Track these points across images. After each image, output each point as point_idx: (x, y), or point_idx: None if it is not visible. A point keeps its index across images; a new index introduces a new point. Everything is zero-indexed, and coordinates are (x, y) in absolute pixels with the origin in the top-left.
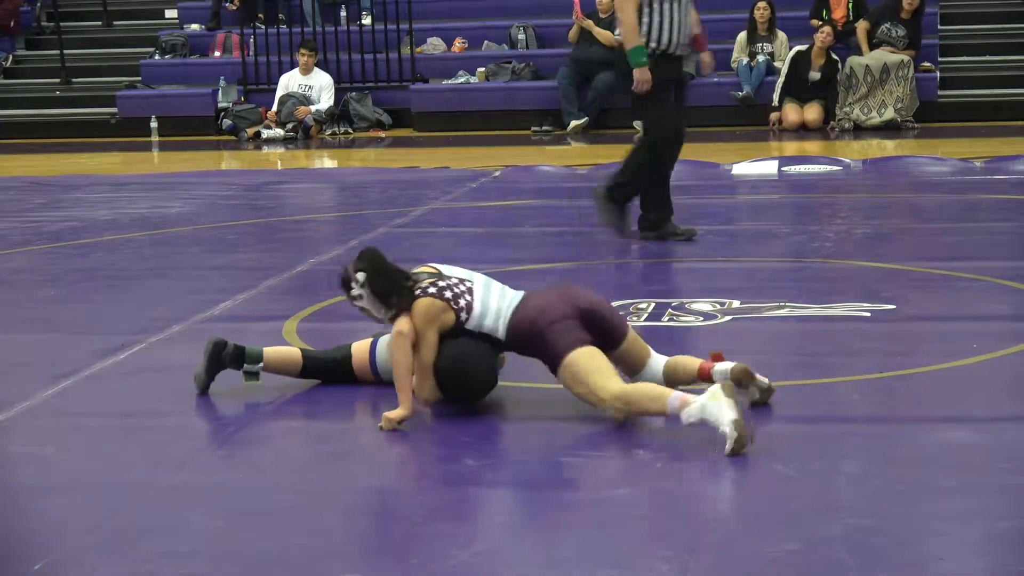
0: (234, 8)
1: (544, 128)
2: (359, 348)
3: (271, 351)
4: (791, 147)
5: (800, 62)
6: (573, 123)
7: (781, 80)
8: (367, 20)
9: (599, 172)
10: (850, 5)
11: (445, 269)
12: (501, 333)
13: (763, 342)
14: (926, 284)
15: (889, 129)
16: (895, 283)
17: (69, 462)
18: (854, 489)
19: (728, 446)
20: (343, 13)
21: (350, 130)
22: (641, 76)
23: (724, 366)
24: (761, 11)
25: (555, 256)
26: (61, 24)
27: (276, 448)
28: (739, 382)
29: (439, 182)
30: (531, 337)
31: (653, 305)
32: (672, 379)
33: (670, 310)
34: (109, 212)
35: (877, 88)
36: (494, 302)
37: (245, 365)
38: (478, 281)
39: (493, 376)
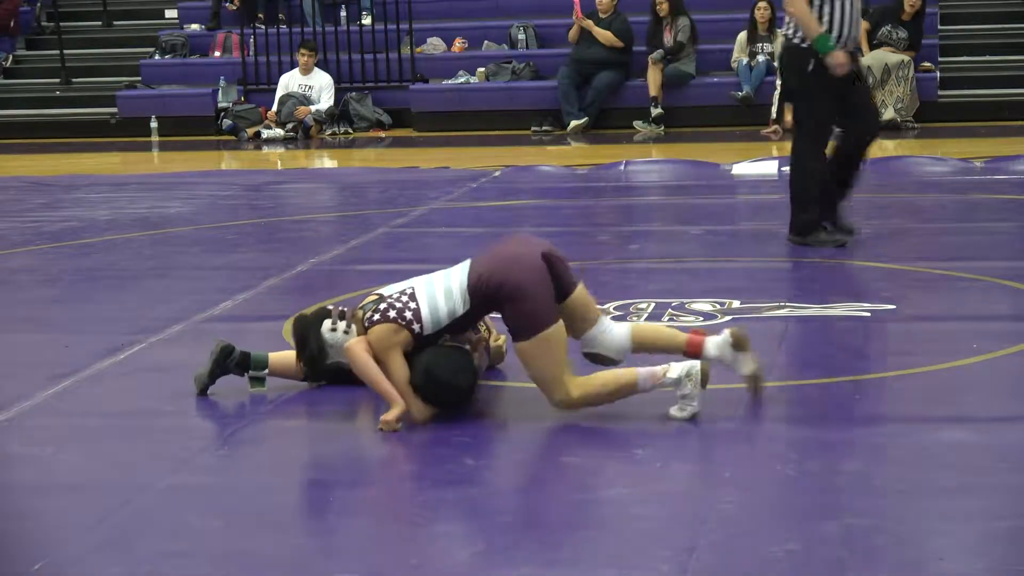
0: (234, 8)
1: (544, 128)
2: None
3: (276, 356)
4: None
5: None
6: (573, 123)
7: (777, 92)
8: (367, 20)
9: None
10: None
11: (386, 290)
12: (463, 307)
13: (763, 342)
14: (926, 284)
15: (889, 129)
16: (895, 283)
17: (69, 462)
18: (854, 489)
19: (680, 415)
20: (343, 13)
21: (350, 130)
22: (836, 59)
23: (717, 338)
24: (761, 11)
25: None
26: (61, 24)
27: (276, 448)
28: (739, 345)
29: (439, 182)
30: (499, 294)
31: (653, 305)
32: (644, 347)
33: (670, 310)
34: (109, 212)
35: (877, 88)
36: (440, 292)
37: (251, 371)
38: (419, 284)
39: (469, 376)
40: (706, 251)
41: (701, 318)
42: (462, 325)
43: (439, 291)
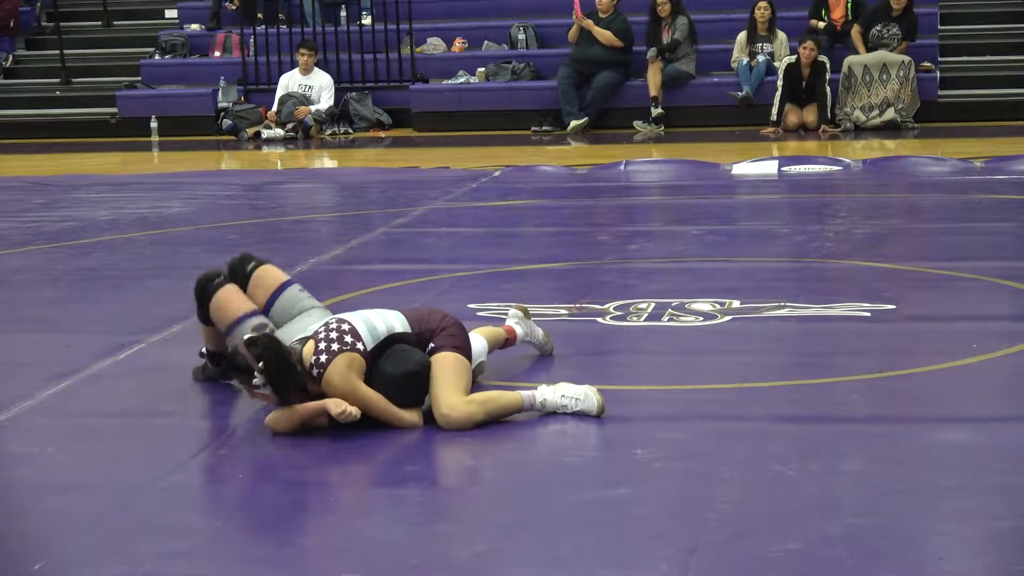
0: (234, 8)
1: (544, 128)
2: (274, 271)
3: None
4: (791, 147)
5: (792, 74)
6: (573, 123)
7: (779, 94)
8: (367, 20)
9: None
10: (849, 5)
11: (305, 321)
12: (401, 327)
13: (763, 342)
14: (926, 284)
15: (889, 129)
16: (895, 283)
17: (69, 462)
18: (854, 489)
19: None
20: (343, 13)
21: (350, 130)
22: None
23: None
24: (761, 11)
25: (555, 256)
26: (61, 24)
27: (276, 447)
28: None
29: (439, 182)
30: (439, 324)
31: (653, 305)
32: (495, 348)
33: (670, 310)
34: (109, 212)
35: (878, 88)
36: (373, 314)
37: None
38: (348, 315)
39: (421, 356)
40: (706, 251)
41: (701, 318)
42: (400, 340)
43: (373, 316)
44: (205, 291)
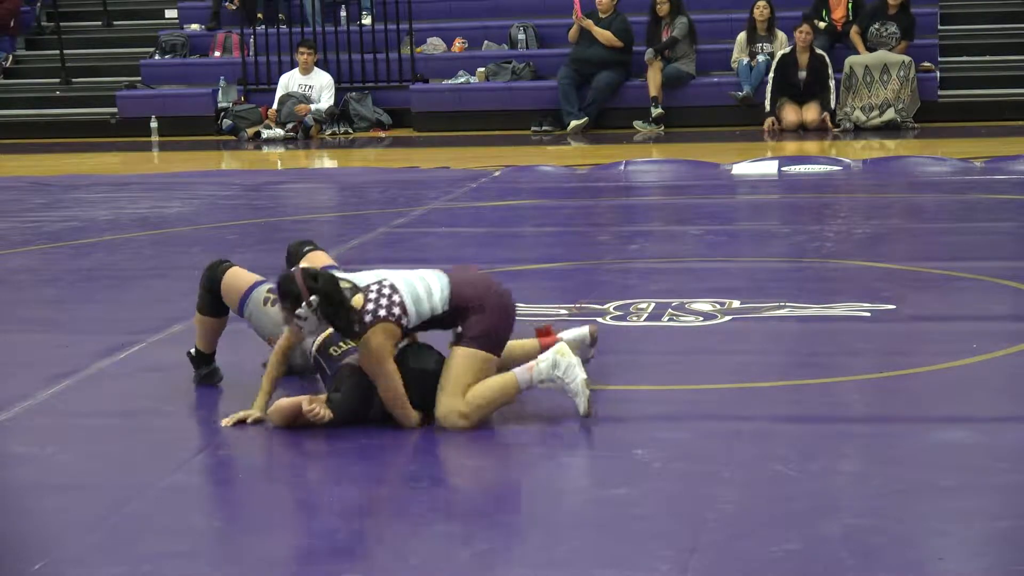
0: (233, 8)
1: (544, 128)
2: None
3: None
4: (791, 147)
5: (787, 64)
6: (573, 123)
7: (769, 86)
8: (367, 20)
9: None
10: (850, 5)
11: (353, 277)
12: (440, 309)
13: (763, 342)
14: (926, 284)
15: (889, 129)
16: (895, 283)
17: (69, 462)
18: (854, 489)
19: (582, 406)
20: (343, 13)
21: (350, 130)
22: None
23: (571, 333)
24: (760, 10)
25: (555, 256)
26: (61, 24)
27: (276, 448)
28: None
29: (439, 182)
30: (472, 305)
31: (653, 305)
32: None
33: (670, 310)
34: (109, 212)
35: (878, 88)
36: (421, 289)
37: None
38: (394, 277)
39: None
40: (706, 251)
41: (701, 318)
42: (433, 325)
43: (419, 288)
44: (214, 274)
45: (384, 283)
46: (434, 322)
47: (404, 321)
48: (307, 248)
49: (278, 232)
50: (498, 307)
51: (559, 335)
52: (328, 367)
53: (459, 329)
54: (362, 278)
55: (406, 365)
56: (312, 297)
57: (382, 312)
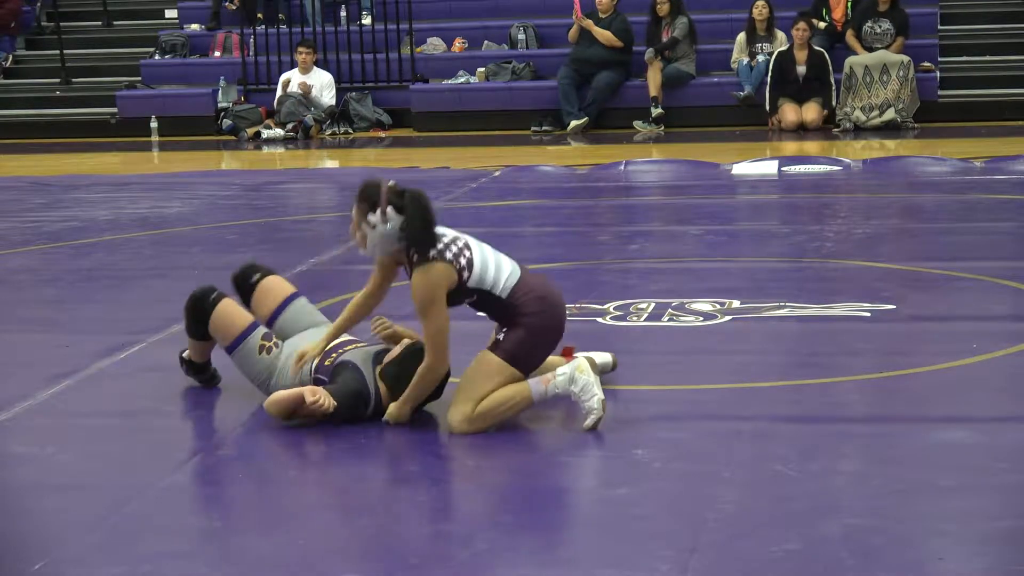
0: (233, 8)
1: (544, 128)
2: (279, 282)
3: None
4: (791, 147)
5: (784, 61)
6: (573, 123)
7: (768, 85)
8: (367, 20)
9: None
10: (849, 5)
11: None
12: (499, 292)
13: (763, 342)
14: (926, 284)
15: (889, 129)
16: (895, 283)
17: (69, 462)
18: (853, 489)
19: (590, 421)
20: (343, 13)
21: (350, 130)
22: None
23: (597, 357)
24: (759, 10)
25: (555, 256)
26: (61, 24)
27: (276, 447)
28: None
29: (439, 182)
30: (523, 312)
31: (653, 305)
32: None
33: (670, 310)
34: (109, 212)
35: (878, 88)
36: (491, 260)
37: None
38: (470, 239)
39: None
40: (706, 251)
41: (701, 318)
42: (483, 306)
43: (490, 259)
44: (202, 307)
45: (460, 239)
46: (485, 303)
47: (465, 275)
48: (256, 276)
49: (278, 232)
50: (543, 330)
51: (581, 355)
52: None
53: (499, 336)
54: (439, 230)
55: (406, 365)
56: (389, 209)
57: (449, 255)
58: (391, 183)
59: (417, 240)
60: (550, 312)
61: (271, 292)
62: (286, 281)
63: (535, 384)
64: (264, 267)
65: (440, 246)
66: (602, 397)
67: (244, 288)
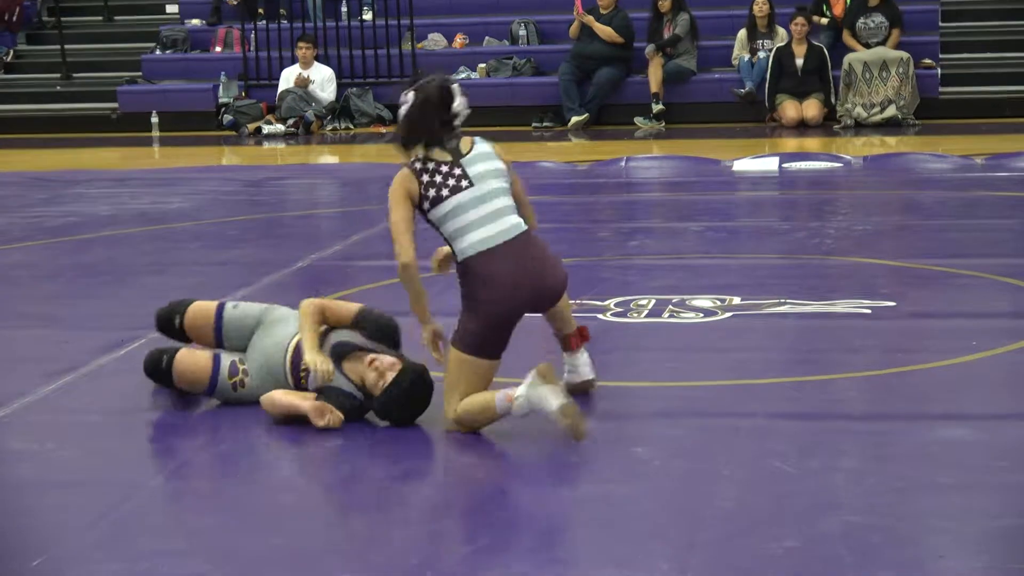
0: (234, 3)
1: (545, 124)
2: (201, 307)
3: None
4: (792, 143)
5: (784, 57)
6: (574, 119)
7: (768, 81)
8: (368, 15)
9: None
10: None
11: (477, 166)
12: (457, 249)
13: (763, 339)
14: (926, 281)
15: (890, 126)
16: (895, 280)
17: (68, 458)
18: (853, 486)
19: (564, 428)
20: (344, 8)
21: (351, 126)
22: None
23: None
24: (760, 6)
25: (555, 252)
26: (62, 19)
27: (273, 446)
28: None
29: None
30: (474, 292)
31: (654, 302)
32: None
33: (671, 307)
34: (109, 207)
35: (878, 85)
36: (465, 216)
37: None
38: (478, 185)
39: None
40: (707, 247)
41: (701, 315)
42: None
43: (468, 213)
44: (160, 373)
45: (463, 179)
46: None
47: (425, 203)
48: (179, 320)
49: (279, 228)
50: (493, 316)
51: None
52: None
53: (458, 320)
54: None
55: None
56: (411, 93)
57: (417, 167)
58: (446, 79)
59: (397, 136)
60: (499, 298)
61: (199, 320)
62: (203, 301)
63: (500, 401)
64: (177, 302)
65: (417, 162)
66: (562, 403)
67: (176, 333)
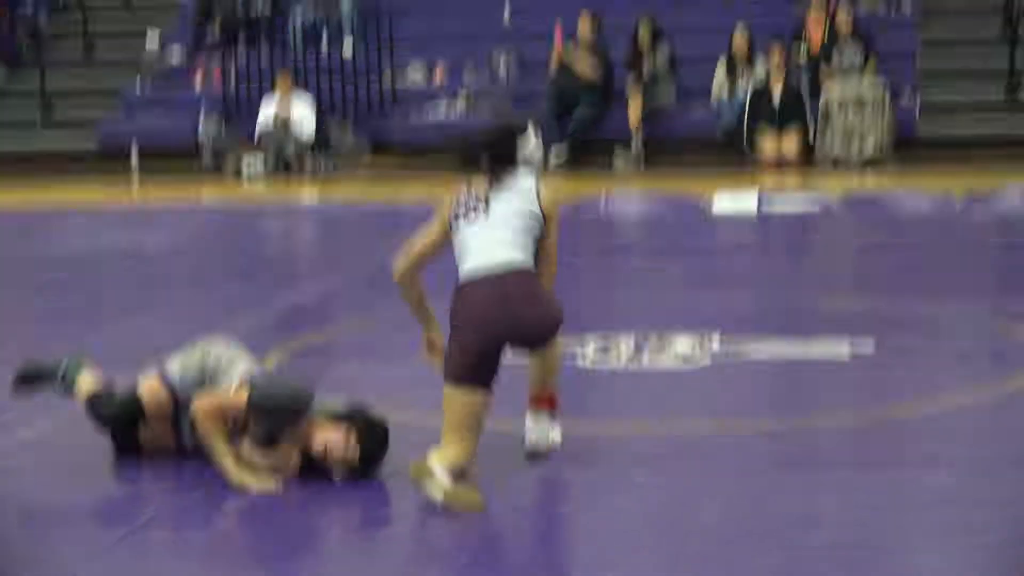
0: (215, 38)
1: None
2: (149, 385)
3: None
4: (770, 182)
5: (762, 92)
6: (553, 155)
7: (746, 116)
8: (348, 47)
9: None
10: (826, 31)
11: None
12: (460, 271)
13: (742, 383)
14: (906, 323)
15: (868, 164)
16: (875, 322)
17: (38, 504)
18: (831, 534)
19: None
20: (324, 41)
21: (331, 160)
22: None
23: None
24: (739, 41)
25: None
26: (42, 50)
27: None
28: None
29: (420, 214)
30: (453, 306)
31: (631, 343)
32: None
33: (648, 349)
34: (87, 244)
35: (855, 122)
36: (471, 245)
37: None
38: (485, 223)
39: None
40: (685, 288)
41: (679, 357)
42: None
43: (474, 241)
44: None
45: (483, 211)
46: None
47: (451, 226)
48: (108, 409)
49: (257, 266)
50: (469, 344)
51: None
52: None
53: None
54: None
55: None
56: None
57: (461, 199)
58: (517, 124)
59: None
60: (471, 326)
61: (82, 384)
62: (146, 391)
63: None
64: (122, 401)
65: (464, 185)
66: (443, 491)
67: (126, 425)
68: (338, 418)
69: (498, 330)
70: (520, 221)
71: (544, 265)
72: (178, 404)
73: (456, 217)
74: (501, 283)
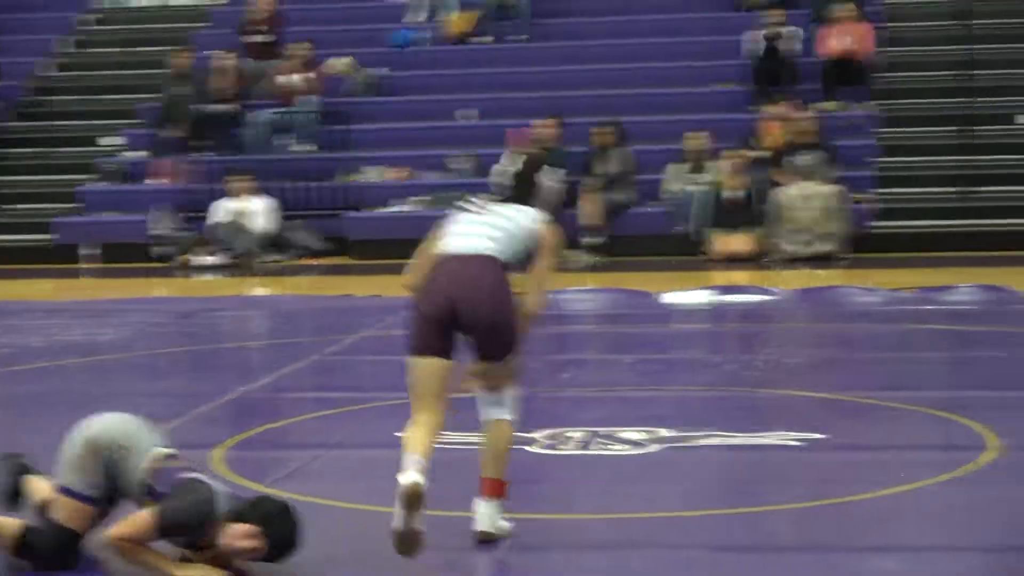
0: (175, 136)
1: None
2: (66, 510)
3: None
4: (723, 277)
5: (716, 192)
6: None
7: (699, 215)
8: (304, 148)
9: None
10: (784, 132)
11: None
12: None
13: (692, 471)
14: (856, 413)
15: (821, 259)
16: (825, 412)
17: None
18: None
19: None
20: (280, 141)
21: (285, 257)
22: None
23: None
24: (693, 141)
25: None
26: None
27: None
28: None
29: (372, 310)
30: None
31: (583, 433)
32: None
33: (600, 439)
34: (42, 339)
35: (807, 219)
36: (452, 233)
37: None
38: (475, 218)
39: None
40: (638, 379)
41: (631, 447)
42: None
43: (453, 234)
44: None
45: (479, 210)
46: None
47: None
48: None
49: (210, 359)
50: (417, 310)
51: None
52: (158, 488)
53: None
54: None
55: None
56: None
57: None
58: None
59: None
60: (422, 294)
61: (38, 488)
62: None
63: None
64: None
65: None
66: (398, 526)
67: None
68: (241, 513)
69: (439, 300)
70: (511, 226)
71: (531, 280)
72: (104, 513)
73: (456, 210)
74: (460, 262)
